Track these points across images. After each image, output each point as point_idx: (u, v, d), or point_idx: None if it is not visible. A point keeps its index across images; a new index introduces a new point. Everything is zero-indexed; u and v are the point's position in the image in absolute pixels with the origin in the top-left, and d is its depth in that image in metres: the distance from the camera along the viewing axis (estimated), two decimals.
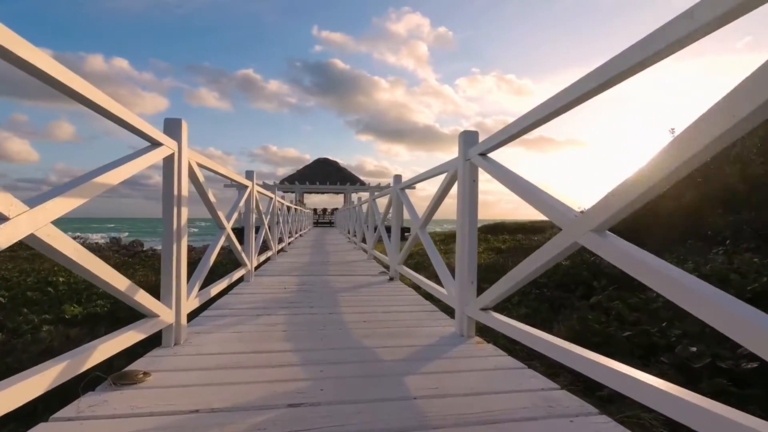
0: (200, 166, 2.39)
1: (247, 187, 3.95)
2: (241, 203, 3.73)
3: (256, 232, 5.01)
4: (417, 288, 4.14)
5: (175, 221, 1.97)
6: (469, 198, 2.20)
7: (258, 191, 4.45)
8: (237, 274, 3.58)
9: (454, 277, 2.47)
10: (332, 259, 6.40)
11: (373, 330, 2.33)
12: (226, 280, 3.19)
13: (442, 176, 2.72)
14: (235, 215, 3.41)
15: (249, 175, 4.13)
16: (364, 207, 7.97)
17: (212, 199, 2.64)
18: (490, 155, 2.07)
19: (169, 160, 1.97)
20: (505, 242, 12.18)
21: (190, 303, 2.20)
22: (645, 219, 9.02)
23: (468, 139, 2.24)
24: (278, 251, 7.19)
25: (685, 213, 6.94)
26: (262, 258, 5.22)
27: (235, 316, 2.62)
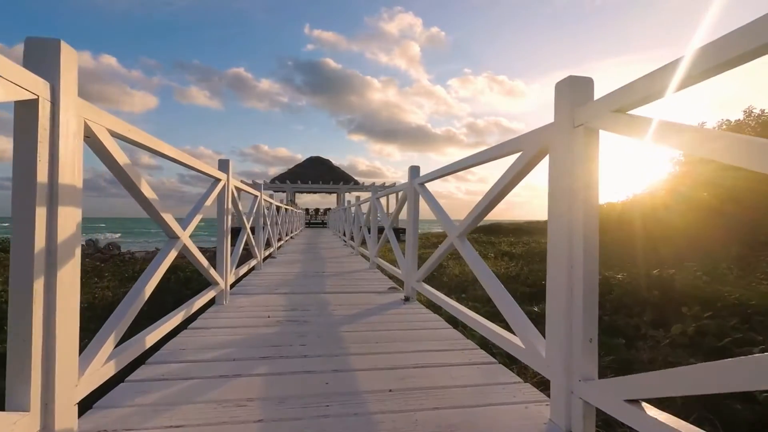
0: (116, 136, 1.42)
1: (219, 180, 2.96)
2: (210, 201, 2.75)
3: (236, 236, 4.04)
4: (436, 308, 3.21)
5: (44, 234, 1.00)
6: (585, 187, 1.25)
7: (236, 186, 3.47)
8: (200, 302, 2.59)
9: (531, 322, 1.53)
10: (329, 268, 5.43)
11: (413, 416, 1.37)
12: (180, 314, 2.21)
13: (507, 160, 1.78)
14: (197, 218, 2.43)
15: (223, 165, 3.14)
16: (364, 207, 7.03)
17: (148, 193, 1.67)
18: (636, 112, 1.13)
19: (27, 111, 1.00)
20: (512, 245, 11.25)
21: (85, 385, 1.22)
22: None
23: (576, 86, 1.30)
24: (265, 259, 6.21)
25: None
26: (243, 270, 4.23)
27: (184, 380, 1.64)
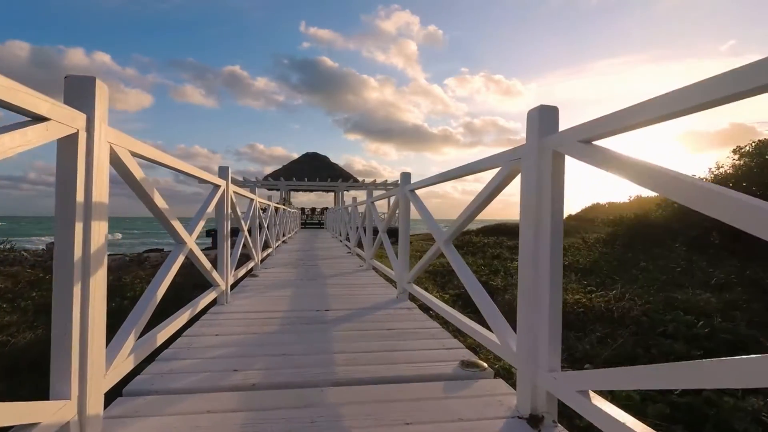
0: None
1: (44, 121, 0.99)
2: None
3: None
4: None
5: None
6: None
7: (132, 152, 1.48)
8: None
9: None
10: (334, 301, 3.44)
11: None
12: None
13: None
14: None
15: (75, 90, 1.17)
16: (380, 206, 5.09)
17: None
18: None
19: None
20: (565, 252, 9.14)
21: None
22: None
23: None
24: (240, 280, 4.23)
25: None
26: (183, 320, 2.28)
27: None
